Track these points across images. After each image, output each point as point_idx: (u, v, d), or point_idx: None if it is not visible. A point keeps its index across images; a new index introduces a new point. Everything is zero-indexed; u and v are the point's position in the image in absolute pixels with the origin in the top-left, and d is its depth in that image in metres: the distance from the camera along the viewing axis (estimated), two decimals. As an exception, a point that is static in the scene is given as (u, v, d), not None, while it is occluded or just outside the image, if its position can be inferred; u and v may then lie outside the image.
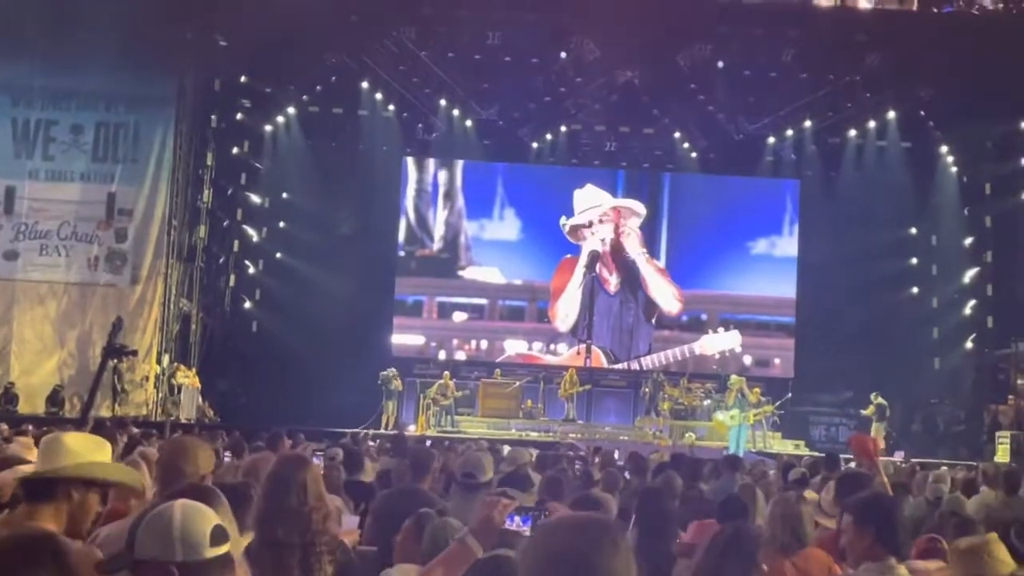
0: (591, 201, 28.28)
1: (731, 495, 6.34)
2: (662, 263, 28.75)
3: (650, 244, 28.80)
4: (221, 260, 26.43)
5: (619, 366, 28.20)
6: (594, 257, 27.97)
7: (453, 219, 29.03)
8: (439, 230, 29.02)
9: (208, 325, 25.84)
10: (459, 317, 28.84)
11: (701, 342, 28.16)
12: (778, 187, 28.90)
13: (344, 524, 5.83)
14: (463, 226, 29.02)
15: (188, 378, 23.92)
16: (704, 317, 28.89)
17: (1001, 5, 24.28)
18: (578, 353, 27.63)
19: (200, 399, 24.12)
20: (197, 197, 25.30)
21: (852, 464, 9.90)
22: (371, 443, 14.36)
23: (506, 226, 28.97)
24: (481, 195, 29.07)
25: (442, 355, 28.34)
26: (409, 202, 29.01)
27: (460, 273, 28.92)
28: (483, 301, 28.88)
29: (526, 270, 28.83)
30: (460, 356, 28.52)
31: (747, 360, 28.43)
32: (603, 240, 28.12)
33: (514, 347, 28.47)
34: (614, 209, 28.35)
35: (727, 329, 28.18)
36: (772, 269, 28.77)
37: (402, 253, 29.00)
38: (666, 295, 28.41)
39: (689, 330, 28.69)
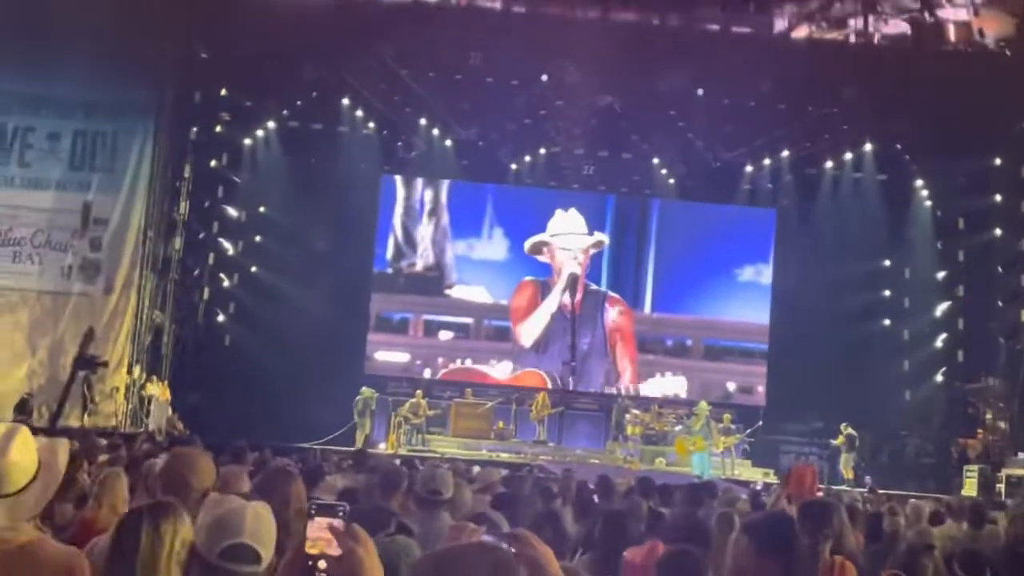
0: (576, 227, 28.35)
1: (698, 522, 6.32)
2: (648, 288, 28.88)
3: (638, 270, 28.95)
4: (196, 272, 26.30)
5: (592, 390, 28.16)
6: (574, 280, 27.99)
7: (439, 237, 29.01)
8: (425, 248, 29.00)
9: (181, 338, 25.69)
10: (445, 336, 28.81)
11: (647, 384, 28.32)
12: (764, 215, 29.01)
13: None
14: (447, 245, 29.01)
15: (159, 390, 23.77)
16: (689, 343, 29.00)
17: (1002, 45, 24.55)
18: (533, 376, 27.68)
19: (170, 411, 23.94)
20: (173, 209, 25.21)
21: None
22: (333, 459, 14.29)
23: (494, 246, 28.97)
24: (469, 215, 29.06)
25: (427, 373, 28.27)
26: (397, 219, 28.99)
27: (447, 292, 28.89)
28: (469, 320, 28.85)
29: (513, 290, 28.79)
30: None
31: (731, 387, 28.59)
32: (580, 265, 28.21)
33: (501, 368, 28.36)
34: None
35: (675, 374, 28.28)
36: (758, 297, 28.91)
37: (389, 270, 28.96)
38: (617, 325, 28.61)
39: (673, 355, 28.83)
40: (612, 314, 28.56)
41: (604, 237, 28.67)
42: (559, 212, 28.34)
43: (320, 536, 2.45)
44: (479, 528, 3.19)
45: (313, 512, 2.50)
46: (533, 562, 2.64)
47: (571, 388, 27.92)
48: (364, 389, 25.49)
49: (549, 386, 27.77)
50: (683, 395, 27.99)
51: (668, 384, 28.24)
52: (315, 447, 20.33)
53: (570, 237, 28.28)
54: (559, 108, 26.27)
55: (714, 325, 28.98)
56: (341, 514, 2.50)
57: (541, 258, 28.42)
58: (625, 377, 28.48)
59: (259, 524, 3.14)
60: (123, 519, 3.26)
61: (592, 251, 28.62)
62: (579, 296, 28.21)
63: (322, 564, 2.38)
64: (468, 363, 28.42)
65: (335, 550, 2.40)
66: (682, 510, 8.42)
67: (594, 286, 28.64)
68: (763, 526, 4.41)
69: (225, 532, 3.09)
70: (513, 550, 2.57)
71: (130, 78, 23.19)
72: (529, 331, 28.27)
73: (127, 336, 23.53)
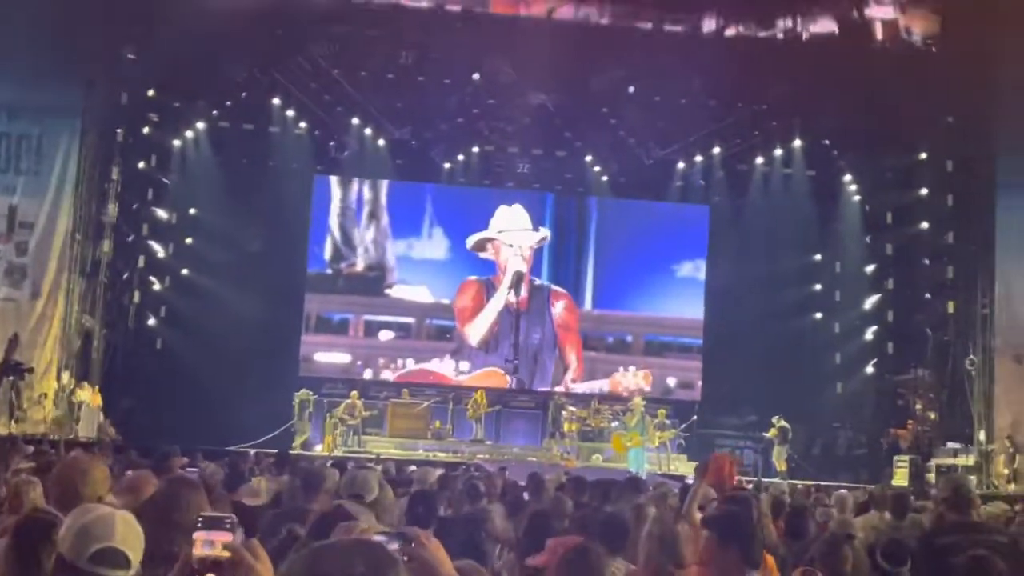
0: (521, 223, 28.34)
1: (612, 515, 6.34)
2: (589, 285, 28.96)
3: (577, 267, 29.04)
4: (125, 276, 25.90)
5: (537, 389, 28.16)
6: (519, 277, 27.89)
7: (379, 237, 28.85)
8: (364, 248, 28.84)
9: (111, 342, 25.32)
10: (386, 336, 28.67)
11: (612, 379, 28.36)
12: (698, 212, 29.16)
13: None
14: (388, 245, 28.88)
15: (89, 396, 23.41)
16: (629, 340, 29.07)
17: (929, 43, 24.90)
18: (497, 375, 27.63)
19: (101, 417, 23.59)
20: (101, 211, 24.80)
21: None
22: (265, 462, 14.17)
23: (435, 245, 28.88)
24: (409, 214, 28.94)
25: (368, 374, 28.13)
26: (334, 220, 28.80)
27: (388, 292, 28.74)
28: (410, 320, 28.70)
29: (454, 289, 28.62)
30: (387, 375, 28.26)
31: (671, 382, 28.76)
32: (525, 261, 28.19)
33: (442, 367, 28.27)
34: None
35: (638, 368, 28.39)
36: (696, 292, 29.09)
37: (328, 271, 28.78)
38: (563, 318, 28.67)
39: (614, 351, 28.92)
40: (558, 308, 28.61)
41: (547, 232, 28.70)
42: (503, 208, 28.29)
43: (207, 549, 2.41)
44: (369, 528, 3.19)
45: (200, 524, 2.47)
46: (423, 562, 2.64)
47: (518, 386, 27.83)
48: (301, 391, 25.33)
49: (511, 385, 27.73)
50: (647, 389, 27.98)
51: (631, 380, 28.26)
52: (248, 450, 20.11)
53: (516, 233, 28.21)
54: (492, 107, 26.32)
55: (654, 321, 29.13)
56: (228, 526, 2.46)
57: (484, 255, 28.36)
58: (570, 372, 28.53)
59: (128, 530, 3.17)
60: (20, 525, 3.27)
61: (535, 246, 28.66)
62: (525, 293, 28.19)
63: None
64: (411, 363, 28.28)
65: (223, 562, 2.36)
66: (601, 505, 8.47)
67: (538, 281, 28.65)
68: (722, 519, 4.56)
69: (94, 537, 3.09)
70: (403, 550, 2.56)
71: (55, 80, 22.78)
72: (476, 331, 28.19)
73: (55, 341, 23.16)
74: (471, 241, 28.22)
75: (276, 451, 17.37)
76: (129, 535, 3.16)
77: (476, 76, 25.33)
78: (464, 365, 28.27)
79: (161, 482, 4.15)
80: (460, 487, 9.78)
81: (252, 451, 18.93)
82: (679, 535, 5.36)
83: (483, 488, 9.25)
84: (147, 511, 3.94)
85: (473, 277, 28.44)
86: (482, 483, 9.54)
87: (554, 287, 28.73)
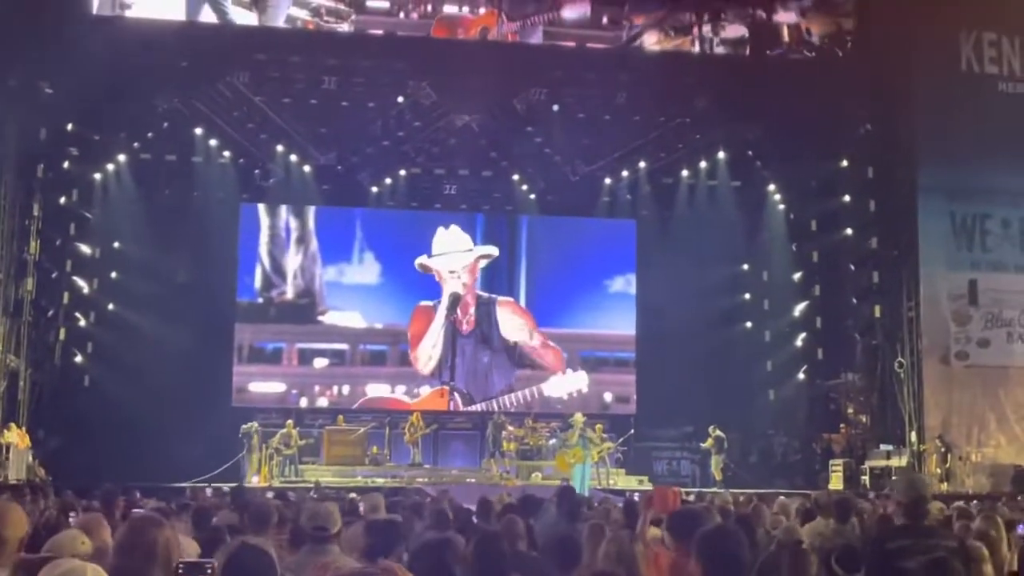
0: (456, 245, 28.26)
1: (564, 536, 6.29)
2: (522, 303, 28.90)
3: (510, 286, 29.01)
4: (50, 313, 25.38)
5: (472, 408, 28.00)
6: (455, 300, 27.85)
7: (308, 264, 28.63)
8: (294, 275, 28.60)
9: (37, 381, 24.78)
10: (320, 363, 28.42)
11: (548, 383, 28.30)
12: (626, 227, 29.31)
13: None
14: (317, 271, 28.66)
15: (17, 437, 22.86)
16: (565, 356, 28.92)
17: (827, 42, 25.43)
18: (440, 395, 27.51)
19: (30, 458, 23.06)
20: (23, 249, 24.28)
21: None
22: (213, 497, 13.97)
23: (365, 270, 28.71)
24: (338, 240, 28.77)
25: (304, 402, 27.88)
26: (263, 248, 28.53)
27: (320, 318, 28.52)
28: (344, 346, 28.48)
29: (387, 313, 28.54)
30: (322, 403, 28.02)
31: (608, 397, 28.80)
32: (464, 284, 28.10)
33: (377, 391, 28.07)
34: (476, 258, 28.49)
35: (575, 370, 28.42)
36: (629, 307, 29.23)
37: (260, 300, 28.50)
38: (516, 327, 28.59)
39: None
40: (506, 318, 28.55)
41: (489, 249, 28.64)
42: (440, 230, 28.23)
43: None
44: (340, 561, 3.16)
45: (181, 572, 2.41)
46: None
47: (465, 406, 27.78)
48: (251, 423, 24.99)
49: (451, 406, 27.61)
50: (585, 390, 28.02)
51: (570, 381, 28.24)
52: (196, 485, 19.75)
53: (451, 256, 28.16)
54: (417, 129, 26.25)
55: (589, 337, 29.18)
56: (209, 572, 2.41)
57: (437, 278, 28.28)
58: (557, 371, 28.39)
59: None
60: None
61: (482, 262, 28.56)
62: (471, 312, 28.11)
63: None
64: (346, 390, 28.04)
65: None
66: (555, 525, 8.41)
67: (485, 295, 28.58)
68: (714, 538, 4.62)
69: None
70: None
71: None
72: (422, 356, 28.07)
73: (-21, 384, 22.62)
74: (417, 266, 28.09)
75: (218, 484, 17.09)
76: None
77: (400, 99, 25.27)
78: (414, 389, 28.06)
79: (127, 524, 3.99)
80: (425, 513, 9.70)
81: (197, 487, 18.62)
82: (637, 555, 5.35)
83: (451, 514, 9.15)
84: (122, 554, 3.80)
85: (425, 302, 28.29)
86: (448, 508, 9.44)
87: (499, 298, 28.66)
